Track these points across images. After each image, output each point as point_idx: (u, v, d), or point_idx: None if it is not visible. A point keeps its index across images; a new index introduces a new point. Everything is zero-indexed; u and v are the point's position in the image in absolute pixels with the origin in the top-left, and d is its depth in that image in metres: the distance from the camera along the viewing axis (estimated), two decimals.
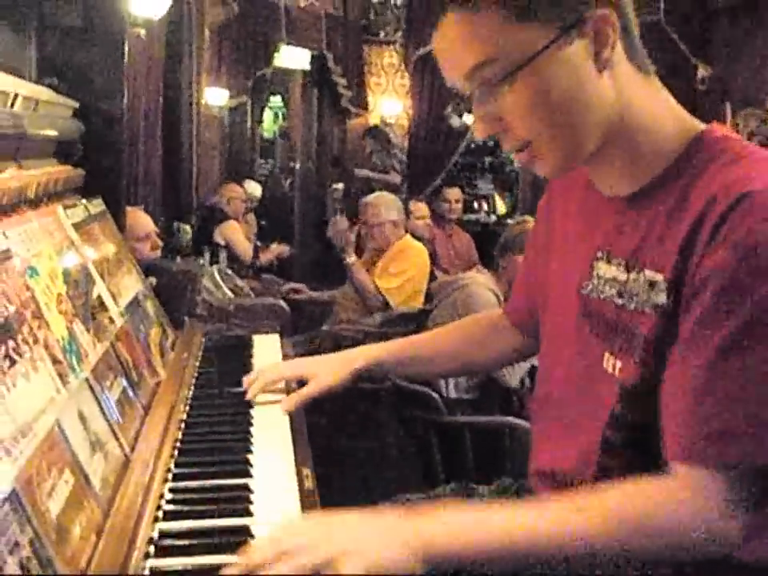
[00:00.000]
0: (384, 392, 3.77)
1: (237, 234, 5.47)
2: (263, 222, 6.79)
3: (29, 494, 0.86)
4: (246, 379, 1.61)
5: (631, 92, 1.12)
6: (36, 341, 1.10)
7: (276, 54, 7.30)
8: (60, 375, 1.13)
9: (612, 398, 1.14)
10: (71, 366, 1.19)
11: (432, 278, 4.82)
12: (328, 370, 1.57)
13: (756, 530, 1.04)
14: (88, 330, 1.34)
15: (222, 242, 5.42)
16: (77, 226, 1.61)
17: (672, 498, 1.00)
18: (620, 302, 1.14)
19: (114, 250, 1.80)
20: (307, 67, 8.00)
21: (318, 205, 8.62)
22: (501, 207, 10.52)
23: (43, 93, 1.70)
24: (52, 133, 1.74)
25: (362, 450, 3.30)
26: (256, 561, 0.93)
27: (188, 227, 5.47)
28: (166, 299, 2.01)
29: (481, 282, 3.20)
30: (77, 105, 1.94)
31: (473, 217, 9.12)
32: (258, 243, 5.88)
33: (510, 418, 2.86)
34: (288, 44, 7.42)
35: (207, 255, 4.76)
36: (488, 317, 1.68)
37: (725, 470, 0.98)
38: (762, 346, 0.96)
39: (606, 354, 1.16)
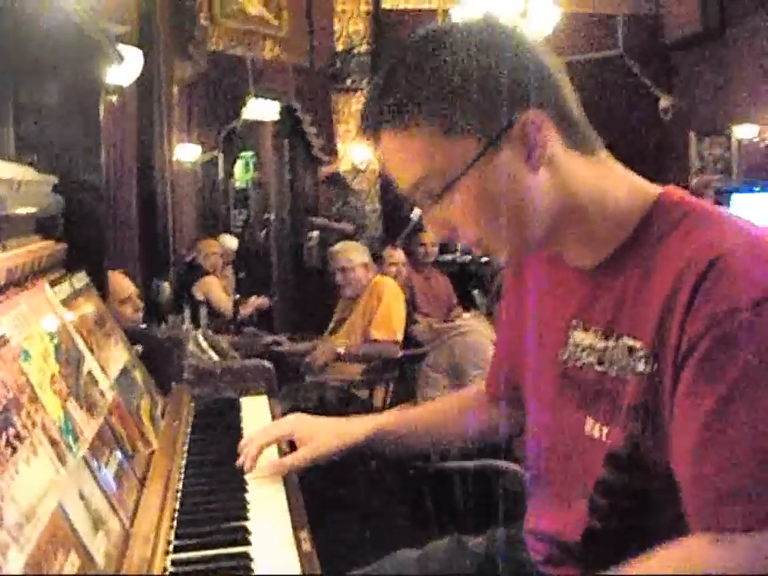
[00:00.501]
0: None
1: (216, 290, 5.51)
2: (241, 275, 6.82)
3: None
4: (240, 449, 1.58)
5: (576, 178, 1.14)
6: (34, 424, 1.13)
7: (245, 108, 7.39)
8: (58, 456, 1.15)
9: (598, 464, 1.16)
10: (68, 445, 1.21)
11: (412, 321, 4.88)
12: (324, 438, 1.53)
13: None
14: (81, 407, 1.37)
15: (202, 298, 5.44)
16: (64, 302, 1.64)
17: (709, 560, 0.97)
18: (600, 369, 1.17)
19: (101, 322, 1.83)
20: (277, 118, 8.08)
21: (295, 254, 8.67)
22: None
23: (24, 173, 1.73)
24: (33, 210, 1.77)
25: (354, 500, 3.32)
26: None
27: (167, 284, 5.49)
28: (152, 366, 2.03)
29: (479, 329, 3.25)
30: (56, 180, 1.97)
31: (448, 257, 9.16)
32: (237, 296, 5.90)
33: (499, 462, 2.88)
34: (256, 96, 7.52)
35: (188, 312, 4.77)
36: (472, 394, 1.66)
37: (741, 532, 0.95)
38: (750, 408, 0.97)
39: (590, 420, 1.18)
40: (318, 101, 8.35)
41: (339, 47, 8.60)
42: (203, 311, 4.90)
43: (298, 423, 1.62)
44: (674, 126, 8.79)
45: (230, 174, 8.73)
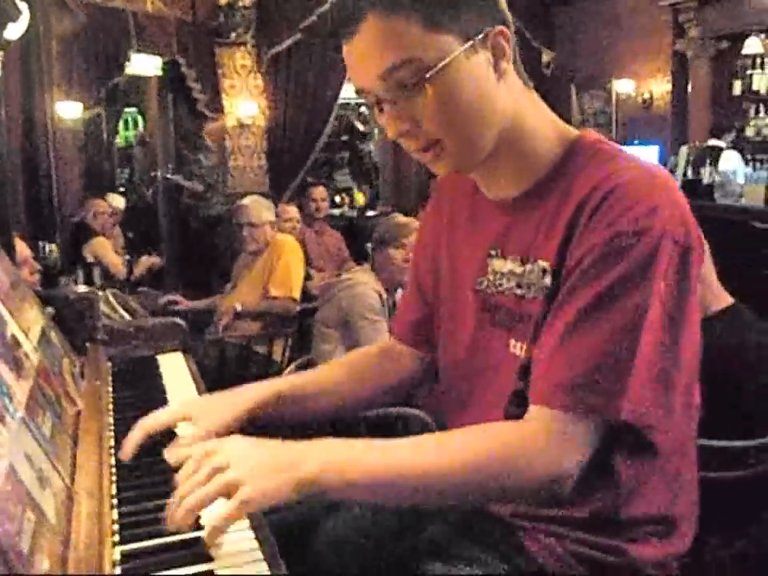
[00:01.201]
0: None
1: (106, 251, 5.41)
2: (129, 234, 6.70)
3: (7, 539, 0.91)
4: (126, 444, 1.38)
5: (519, 102, 1.26)
6: None
7: (127, 63, 7.21)
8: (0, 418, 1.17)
9: (512, 378, 1.28)
10: (6, 407, 1.22)
11: (307, 277, 4.92)
12: (211, 415, 1.41)
13: (639, 483, 1.24)
14: (11, 370, 1.37)
15: (92, 260, 5.34)
16: None
17: (520, 436, 1.16)
18: (519, 292, 1.28)
19: (15, 285, 1.81)
20: (160, 73, 7.91)
21: (183, 212, 8.54)
22: (359, 200, 10.74)
23: None
24: None
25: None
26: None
27: (54, 246, 5.37)
28: (65, 327, 2.02)
29: (364, 281, 3.31)
30: None
31: (336, 211, 9.23)
32: (128, 257, 5.81)
33: (403, 409, 2.97)
34: (138, 51, 7.33)
35: (81, 274, 4.69)
36: (377, 347, 1.66)
37: (565, 414, 1.13)
38: (612, 314, 1.13)
39: (512, 341, 1.29)
40: (201, 55, 8.16)
41: (222, 0, 8.42)
42: (97, 273, 4.81)
43: (190, 406, 1.48)
44: (555, 80, 9.01)
45: (114, 131, 8.51)
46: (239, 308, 4.33)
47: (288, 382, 1.57)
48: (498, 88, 1.21)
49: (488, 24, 1.19)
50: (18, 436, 1.18)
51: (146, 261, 5.86)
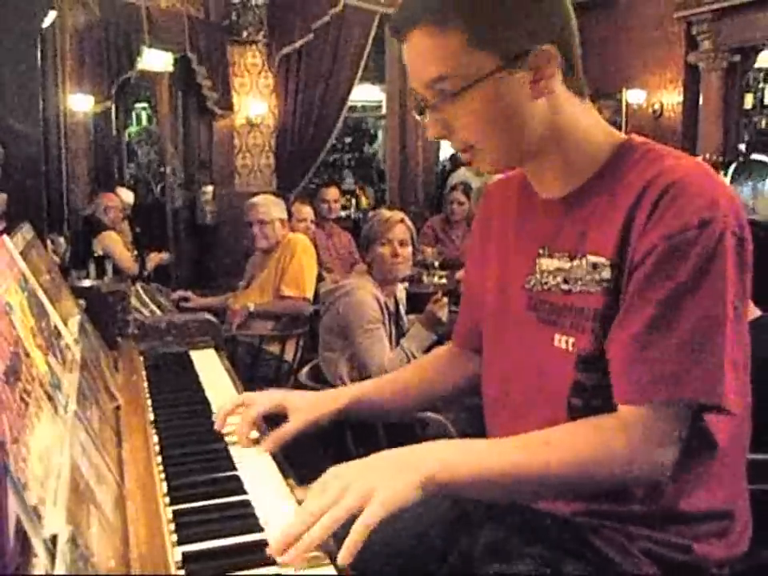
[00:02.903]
0: (291, 387, 3.80)
1: (117, 245, 5.37)
2: (137, 230, 6.66)
3: (81, 535, 0.88)
4: (221, 412, 1.51)
5: (566, 111, 1.30)
6: (33, 379, 1.11)
7: (139, 58, 7.19)
8: (55, 410, 1.14)
9: (570, 370, 1.29)
10: (59, 400, 1.20)
11: (318, 278, 4.89)
12: (310, 405, 1.51)
13: (699, 477, 1.27)
14: (58, 362, 1.35)
15: (101, 253, 5.30)
16: (22, 255, 1.59)
17: (614, 434, 1.19)
18: (566, 287, 1.31)
19: (52, 275, 1.78)
20: (171, 69, 7.89)
21: (190, 209, 8.51)
22: (364, 202, 10.74)
23: None
24: None
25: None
26: (296, 530, 1.05)
27: (62, 239, 5.34)
28: (96, 320, 2.00)
29: (361, 287, 3.24)
30: None
31: (342, 213, 9.19)
32: (136, 252, 5.78)
33: (422, 413, 2.94)
34: (151, 46, 7.32)
35: (92, 268, 4.65)
36: (446, 348, 1.72)
37: (660, 408, 1.17)
38: (693, 304, 1.16)
39: (557, 335, 1.32)
40: (213, 53, 8.15)
41: None
42: (110, 267, 4.77)
43: (289, 395, 1.58)
44: None
45: (123, 125, 8.47)
46: (252, 308, 4.30)
47: (370, 385, 1.67)
48: (533, 105, 1.26)
49: (534, 43, 1.23)
50: (73, 430, 1.15)
51: (156, 256, 5.83)
